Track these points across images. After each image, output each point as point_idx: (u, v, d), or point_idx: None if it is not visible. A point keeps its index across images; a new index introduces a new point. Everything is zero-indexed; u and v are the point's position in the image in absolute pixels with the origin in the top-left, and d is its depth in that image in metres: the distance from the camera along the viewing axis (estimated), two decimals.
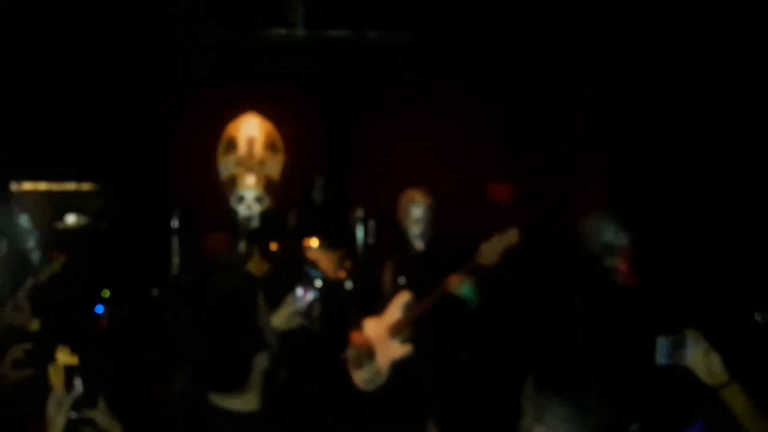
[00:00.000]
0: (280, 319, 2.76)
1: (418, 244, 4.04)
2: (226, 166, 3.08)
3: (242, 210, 3.08)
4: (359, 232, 4.30)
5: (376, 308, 4.00)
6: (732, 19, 4.23)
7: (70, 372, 2.03)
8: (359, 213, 4.39)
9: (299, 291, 2.68)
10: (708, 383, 2.06)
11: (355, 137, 5.39)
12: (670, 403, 2.95)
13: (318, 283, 2.93)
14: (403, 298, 3.91)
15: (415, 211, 3.97)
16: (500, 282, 3.87)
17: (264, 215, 3.08)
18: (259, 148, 3.07)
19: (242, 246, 3.13)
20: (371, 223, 4.42)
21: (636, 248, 3.59)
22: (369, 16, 5.20)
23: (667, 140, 4.77)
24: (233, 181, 3.06)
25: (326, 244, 4.22)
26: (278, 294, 3.14)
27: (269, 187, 3.09)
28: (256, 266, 3.13)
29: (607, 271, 3.55)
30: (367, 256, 4.06)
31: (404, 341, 3.91)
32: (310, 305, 2.72)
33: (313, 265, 3.20)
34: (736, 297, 3.92)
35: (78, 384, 1.99)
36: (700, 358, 2.07)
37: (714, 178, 4.49)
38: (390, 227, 4.13)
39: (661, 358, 2.15)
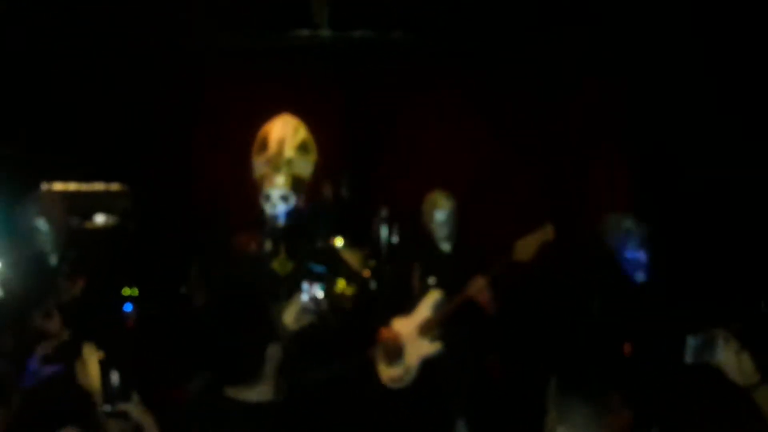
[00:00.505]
0: (290, 316, 2.77)
1: (445, 246, 4.03)
2: (257, 165, 3.11)
3: (268, 208, 3.08)
4: (384, 232, 4.28)
5: (405, 308, 3.98)
6: (736, 17, 4.17)
7: (104, 366, 2.04)
8: (384, 213, 4.38)
9: (305, 286, 2.68)
10: (740, 383, 2.01)
11: (379, 137, 5.38)
12: (698, 403, 2.90)
13: (323, 278, 2.95)
14: (433, 298, 3.90)
15: (439, 214, 3.97)
16: (533, 279, 3.84)
17: (290, 214, 3.07)
18: (289, 148, 3.08)
19: (269, 244, 3.14)
20: (396, 223, 4.40)
21: (657, 244, 3.56)
22: (393, 16, 5.20)
23: (682, 136, 4.72)
24: (262, 180, 3.08)
25: (351, 243, 4.22)
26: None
27: (297, 186, 3.08)
28: (280, 265, 3.15)
29: (627, 268, 3.52)
30: (393, 256, 4.05)
31: (434, 340, 3.89)
32: (316, 300, 2.72)
33: (320, 260, 3.19)
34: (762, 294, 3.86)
35: (114, 378, 2.01)
36: (732, 358, 2.03)
37: (731, 173, 4.42)
38: (415, 227, 4.12)
39: (690, 357, 2.11)
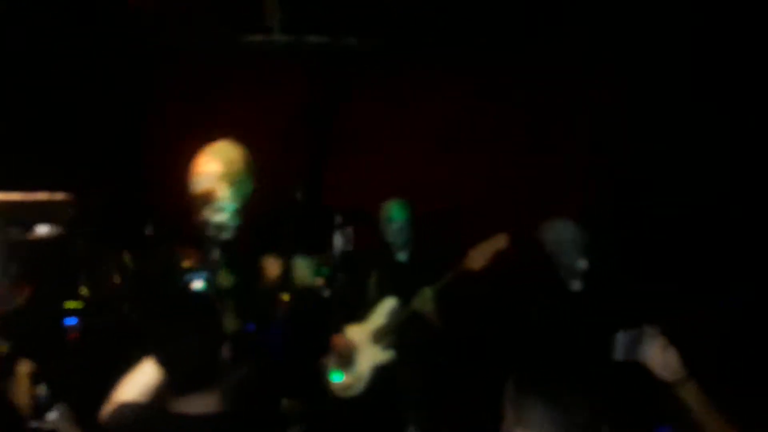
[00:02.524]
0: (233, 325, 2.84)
1: (401, 255, 4.04)
2: (200, 180, 3.17)
3: (215, 221, 3.12)
4: (339, 240, 4.25)
5: (359, 316, 3.97)
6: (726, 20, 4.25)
7: (35, 381, 2.00)
8: (339, 220, 4.35)
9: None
10: (664, 379, 2.03)
11: (333, 143, 5.34)
12: (635, 401, 2.94)
13: (198, 285, 2.98)
14: (387, 305, 3.90)
15: (395, 223, 3.98)
16: (486, 287, 3.87)
17: (234, 228, 3.13)
18: (231, 164, 3.15)
19: (213, 257, 3.17)
20: (350, 230, 4.37)
21: (595, 248, 3.61)
22: (347, 22, 5.18)
23: (634, 153, 4.79)
24: (206, 194, 3.13)
25: (306, 251, 4.18)
26: (242, 306, 3.18)
27: (241, 200, 3.20)
28: (224, 279, 3.21)
29: (568, 273, 3.56)
30: (348, 264, 4.04)
31: (387, 347, 3.89)
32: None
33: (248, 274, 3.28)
34: (695, 293, 3.94)
35: (43, 392, 1.96)
36: (657, 354, 2.04)
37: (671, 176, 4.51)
38: (371, 235, 4.11)
39: (619, 354, 2.13)
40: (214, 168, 3.17)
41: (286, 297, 3.87)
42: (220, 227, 3.15)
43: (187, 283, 3.18)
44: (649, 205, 4.64)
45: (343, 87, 5.46)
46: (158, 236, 4.18)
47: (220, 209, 3.12)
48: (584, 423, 1.73)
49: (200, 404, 1.97)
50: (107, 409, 2.14)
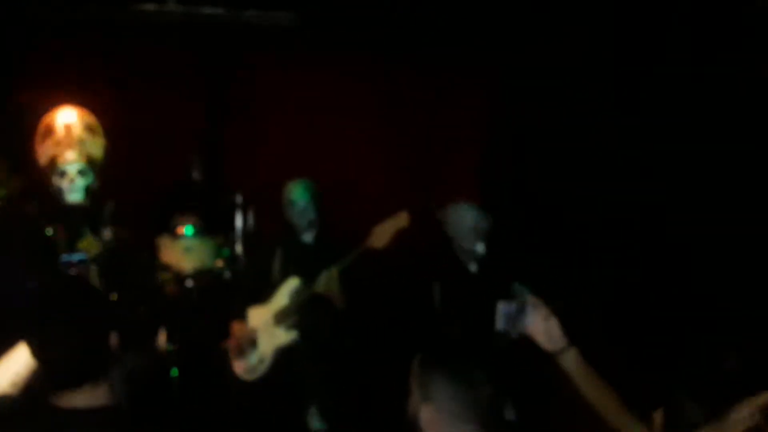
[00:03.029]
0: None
1: (305, 236, 4.00)
2: (45, 150, 3.10)
3: (65, 185, 3.07)
4: (239, 219, 4.17)
5: (262, 297, 3.92)
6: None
7: None
8: (238, 199, 4.26)
9: None
10: (546, 349, 2.04)
11: (232, 119, 5.22)
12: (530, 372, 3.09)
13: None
14: (290, 285, 3.87)
15: (298, 205, 3.93)
16: (387, 265, 3.92)
17: (88, 191, 3.10)
18: (77, 130, 3.13)
19: (69, 226, 3.10)
20: (251, 209, 4.30)
21: (495, 237, 3.74)
22: None
23: (536, 140, 4.98)
24: (53, 161, 3.07)
25: (204, 230, 4.08)
26: (114, 274, 3.10)
27: (92, 165, 3.13)
28: (89, 245, 3.14)
29: (467, 255, 3.68)
30: (249, 244, 3.97)
31: (289, 329, 3.86)
32: None
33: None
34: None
35: None
36: (539, 324, 2.04)
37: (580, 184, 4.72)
38: (273, 215, 4.06)
39: (501, 324, 2.12)
40: (57, 136, 3.10)
41: (165, 276, 3.80)
42: (68, 191, 3.07)
43: (59, 261, 3.06)
44: (541, 190, 4.85)
45: (240, 62, 5.33)
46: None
47: (64, 173, 3.06)
48: (488, 398, 1.78)
49: (84, 398, 1.78)
50: None
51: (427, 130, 5.25)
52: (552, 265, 3.80)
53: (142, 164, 4.76)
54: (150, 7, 4.95)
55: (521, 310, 2.07)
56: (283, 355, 3.87)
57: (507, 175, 5.09)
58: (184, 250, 3.99)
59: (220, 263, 4.04)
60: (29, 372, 1.96)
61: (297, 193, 3.98)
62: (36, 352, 1.79)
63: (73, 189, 3.08)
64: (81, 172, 3.08)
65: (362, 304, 3.99)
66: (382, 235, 3.67)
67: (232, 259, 3.96)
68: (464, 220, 3.72)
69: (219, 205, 4.26)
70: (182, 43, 5.18)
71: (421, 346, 1.97)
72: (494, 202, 4.39)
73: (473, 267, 3.74)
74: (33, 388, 1.97)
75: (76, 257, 3.11)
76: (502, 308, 2.11)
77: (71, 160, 3.07)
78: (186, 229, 3.98)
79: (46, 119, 3.16)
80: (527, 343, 2.12)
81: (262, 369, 3.88)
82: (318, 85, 5.18)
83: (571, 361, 2.01)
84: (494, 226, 3.75)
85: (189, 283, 3.90)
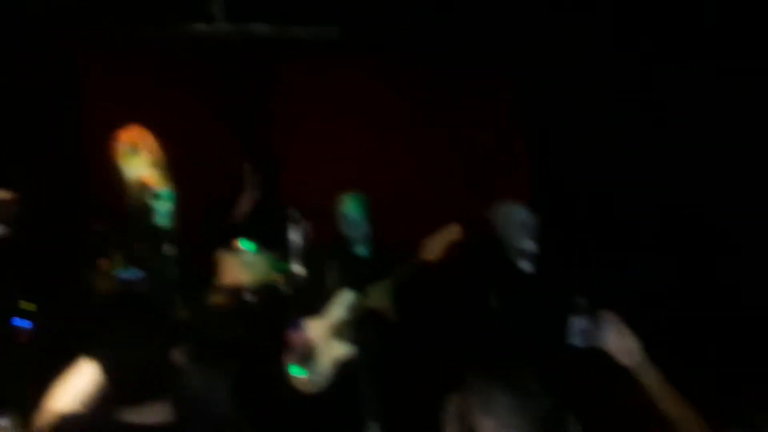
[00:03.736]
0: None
1: (359, 248, 4.04)
2: (132, 167, 3.14)
3: (157, 207, 3.10)
4: (295, 234, 4.22)
5: (318, 310, 3.96)
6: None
7: None
8: (294, 214, 4.31)
9: None
10: (624, 364, 2.04)
11: (283, 136, 5.28)
12: (596, 385, 3.05)
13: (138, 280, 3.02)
14: (345, 298, 3.90)
15: (351, 218, 3.98)
16: (442, 278, 3.92)
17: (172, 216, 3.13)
18: (156, 151, 3.15)
19: (155, 248, 3.15)
20: (306, 224, 4.34)
21: (548, 235, 3.72)
22: (293, 11, 5.10)
23: (580, 139, 4.94)
24: (145, 181, 3.12)
25: (261, 246, 4.13)
26: (177, 289, 3.15)
27: (173, 189, 3.31)
28: (169, 271, 3.28)
29: (518, 254, 3.66)
30: (305, 259, 4.01)
31: (346, 341, 3.89)
32: None
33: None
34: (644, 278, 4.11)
35: None
36: (617, 339, 2.04)
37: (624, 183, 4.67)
38: (327, 228, 4.10)
39: (576, 340, 2.14)
40: (146, 155, 3.17)
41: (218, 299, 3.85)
42: (161, 214, 3.13)
43: (126, 281, 3.12)
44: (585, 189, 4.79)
45: (288, 76, 5.39)
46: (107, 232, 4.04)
47: (159, 195, 3.12)
48: (548, 410, 1.76)
49: (150, 413, 1.84)
50: (44, 419, 1.97)
51: (470, 135, 5.26)
52: (604, 268, 3.76)
53: (198, 181, 4.84)
54: (200, 26, 5.04)
55: (595, 325, 2.07)
56: (342, 368, 3.90)
57: (553, 175, 5.06)
58: (243, 265, 4.05)
59: (277, 277, 4.08)
60: (95, 388, 2.00)
61: (350, 207, 4.03)
62: (102, 368, 1.84)
63: (163, 212, 3.12)
64: (169, 197, 3.13)
65: (415, 317, 4.00)
66: (434, 247, 3.69)
67: (289, 273, 4.00)
68: (513, 218, 3.72)
69: (275, 219, 4.30)
70: (232, 59, 5.26)
71: (478, 357, 1.95)
72: (542, 202, 4.36)
73: (527, 266, 3.72)
74: (99, 405, 2.01)
75: (133, 273, 3.17)
76: (576, 323, 2.11)
77: (162, 185, 3.12)
78: (245, 244, 4.04)
79: (126, 135, 3.18)
80: (593, 354, 2.11)
81: (321, 382, 3.91)
82: (365, 96, 5.22)
83: (650, 377, 2.00)
84: (543, 226, 3.73)
85: (248, 297, 3.96)
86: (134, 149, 3.20)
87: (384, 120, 5.20)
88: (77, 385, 2.03)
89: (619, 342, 2.04)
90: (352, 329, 3.90)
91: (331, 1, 4.98)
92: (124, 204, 3.20)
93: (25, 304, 3.44)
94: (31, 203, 3.62)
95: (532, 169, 5.31)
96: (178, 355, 1.91)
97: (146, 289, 3.21)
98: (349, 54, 5.25)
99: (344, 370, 3.91)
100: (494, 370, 1.87)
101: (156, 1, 4.90)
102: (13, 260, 3.41)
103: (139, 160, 3.17)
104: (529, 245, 3.70)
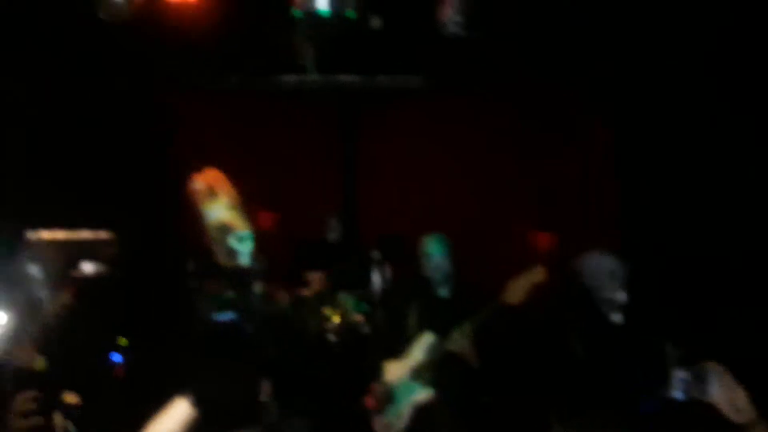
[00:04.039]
0: None
1: (441, 290, 4.03)
2: (213, 211, 3.26)
3: (240, 248, 3.22)
4: (376, 275, 4.26)
5: (398, 352, 3.95)
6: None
7: (68, 413, 1.96)
8: (375, 255, 4.37)
9: None
10: (732, 420, 1.94)
11: (367, 180, 5.39)
12: None
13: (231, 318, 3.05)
14: (426, 340, 3.88)
15: (434, 259, 3.98)
16: (525, 322, 3.84)
17: (256, 256, 3.28)
18: (234, 194, 3.25)
19: (244, 288, 3.23)
20: (388, 265, 4.39)
21: (637, 284, 3.58)
22: (378, 60, 5.27)
23: (668, 184, 4.79)
24: (226, 225, 3.21)
25: (344, 287, 4.19)
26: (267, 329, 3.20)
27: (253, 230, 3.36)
28: (240, 301, 3.31)
29: (608, 305, 3.53)
30: (387, 299, 4.04)
31: (426, 384, 3.85)
32: None
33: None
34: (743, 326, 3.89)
35: (69, 428, 1.92)
36: (725, 393, 1.96)
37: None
38: (409, 270, 4.12)
39: (679, 392, 2.07)
40: (225, 198, 3.26)
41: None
42: (243, 255, 3.21)
43: (219, 317, 3.21)
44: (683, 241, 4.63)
45: (372, 122, 5.52)
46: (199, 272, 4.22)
47: (241, 237, 3.20)
48: None
49: None
50: None
51: (560, 181, 5.18)
52: (697, 319, 3.59)
53: (283, 222, 5.01)
54: (291, 77, 5.28)
55: (701, 378, 2.01)
56: (421, 412, 3.85)
57: (643, 221, 4.90)
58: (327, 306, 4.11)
59: (359, 318, 4.12)
60: (188, 426, 2.06)
61: (433, 247, 4.03)
62: (196, 405, 1.90)
63: (246, 253, 3.24)
64: (251, 238, 3.26)
65: (497, 361, 3.92)
66: (517, 290, 3.62)
67: (370, 314, 4.03)
68: (602, 268, 3.60)
69: (356, 260, 4.37)
70: (319, 107, 5.45)
71: (563, 407, 1.90)
72: (632, 250, 4.22)
73: (616, 317, 3.59)
74: None
75: (227, 316, 3.27)
76: (680, 375, 2.04)
77: (244, 227, 3.24)
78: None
79: (203, 178, 3.35)
80: (697, 408, 2.02)
81: (400, 426, 3.87)
82: (447, 140, 5.28)
83: None
84: (633, 275, 3.61)
85: (331, 338, 4.01)
86: (212, 193, 3.33)
87: (470, 163, 5.22)
88: (171, 421, 2.10)
89: (728, 395, 1.96)
90: (432, 372, 3.86)
91: (414, 52, 5.11)
92: (208, 246, 3.33)
93: (121, 340, 3.61)
94: (130, 244, 3.85)
95: (622, 218, 5.17)
96: (267, 388, 1.97)
97: (241, 330, 3.29)
98: (432, 101, 5.33)
99: (423, 413, 3.86)
100: (582, 420, 1.82)
101: (253, 55, 5.17)
102: (111, 298, 3.59)
103: (218, 204, 3.29)
104: (619, 295, 3.58)
